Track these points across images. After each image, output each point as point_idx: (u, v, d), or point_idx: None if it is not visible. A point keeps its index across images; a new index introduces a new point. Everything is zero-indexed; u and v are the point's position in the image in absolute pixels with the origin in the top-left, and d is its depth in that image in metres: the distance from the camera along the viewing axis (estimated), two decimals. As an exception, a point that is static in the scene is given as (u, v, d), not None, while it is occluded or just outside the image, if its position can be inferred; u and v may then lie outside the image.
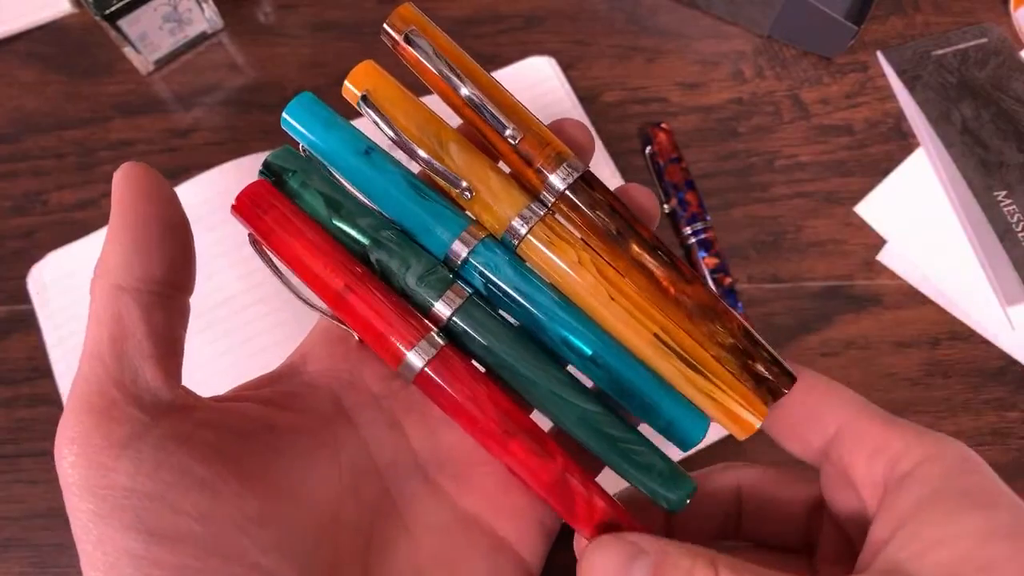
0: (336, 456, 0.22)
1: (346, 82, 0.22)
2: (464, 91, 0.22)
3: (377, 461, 0.23)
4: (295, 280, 0.22)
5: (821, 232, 0.42)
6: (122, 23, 0.40)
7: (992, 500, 0.18)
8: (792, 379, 0.22)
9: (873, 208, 0.43)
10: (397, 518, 0.22)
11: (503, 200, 0.22)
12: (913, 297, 0.41)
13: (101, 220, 0.40)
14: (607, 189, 0.23)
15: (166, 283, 0.19)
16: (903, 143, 0.44)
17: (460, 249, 0.22)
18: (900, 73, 0.45)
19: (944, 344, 0.40)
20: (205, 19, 0.44)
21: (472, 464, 0.23)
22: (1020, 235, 0.41)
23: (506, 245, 0.23)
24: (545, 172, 0.22)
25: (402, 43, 0.22)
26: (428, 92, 0.23)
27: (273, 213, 0.22)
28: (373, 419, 0.23)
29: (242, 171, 0.40)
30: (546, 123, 0.24)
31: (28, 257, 0.39)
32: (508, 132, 0.22)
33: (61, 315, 0.38)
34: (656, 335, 0.22)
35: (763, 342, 0.22)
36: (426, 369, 0.21)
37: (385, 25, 0.22)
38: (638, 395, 0.22)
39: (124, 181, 0.19)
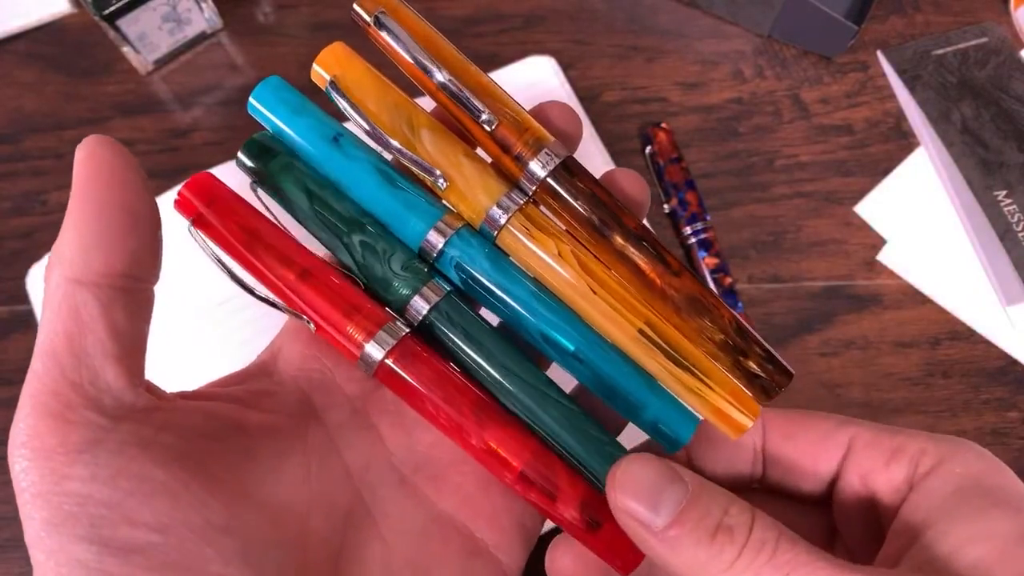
0: (306, 460, 0.21)
1: (315, 65, 0.21)
2: (438, 77, 0.21)
3: (349, 464, 0.22)
4: (246, 275, 0.21)
5: (821, 232, 0.42)
6: (121, 23, 0.40)
7: (1020, 502, 0.18)
8: (788, 376, 0.21)
9: (873, 208, 0.43)
10: (370, 523, 0.21)
11: (479, 188, 0.21)
12: (913, 297, 0.41)
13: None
14: (591, 176, 0.22)
15: (128, 276, 0.18)
16: (903, 143, 0.44)
17: (436, 240, 0.21)
18: (900, 73, 0.45)
19: (944, 344, 0.40)
20: (204, 19, 0.44)
21: (450, 464, 0.23)
22: (1020, 235, 0.41)
23: (484, 236, 0.21)
24: (524, 159, 0.21)
25: (372, 26, 0.21)
26: (404, 76, 0.22)
27: (218, 204, 0.20)
28: (346, 421, 0.22)
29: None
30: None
31: (28, 257, 0.39)
32: (484, 117, 0.21)
33: (61, 315, 0.38)
34: (641, 330, 0.21)
35: (757, 337, 0.21)
36: (387, 360, 0.20)
37: (355, 6, 0.21)
38: (623, 393, 0.21)
39: (86, 161, 0.18)
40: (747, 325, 0.22)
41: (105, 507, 0.16)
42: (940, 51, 0.46)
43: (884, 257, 0.42)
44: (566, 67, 0.44)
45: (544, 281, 0.22)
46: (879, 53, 0.46)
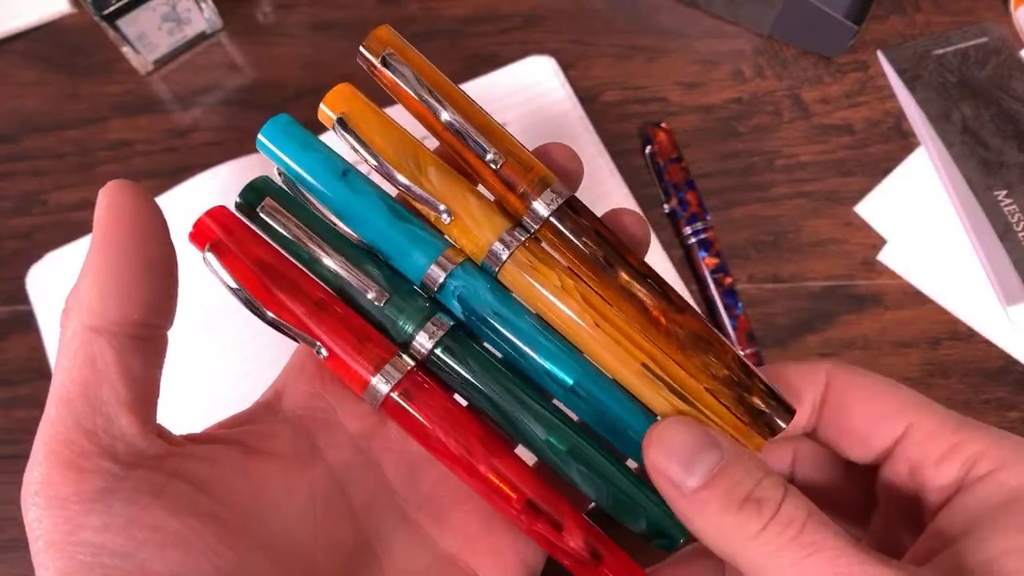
0: (312, 501, 0.21)
1: (321, 105, 0.22)
2: (445, 116, 0.21)
3: (354, 504, 0.22)
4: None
5: (821, 232, 0.42)
6: (121, 23, 0.40)
7: None
8: (791, 412, 0.21)
9: (873, 208, 0.43)
10: (374, 562, 0.21)
11: (483, 224, 0.22)
12: (913, 297, 0.41)
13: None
14: (593, 215, 0.22)
15: (144, 325, 0.18)
16: (903, 143, 0.44)
17: (437, 274, 0.21)
18: (900, 73, 0.45)
19: (944, 344, 0.40)
20: (204, 19, 0.44)
21: (453, 502, 0.23)
22: (1020, 235, 0.41)
23: (486, 271, 0.22)
24: (528, 198, 0.21)
25: (379, 66, 0.21)
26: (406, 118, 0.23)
27: (232, 236, 0.21)
28: (349, 459, 0.22)
29: (242, 171, 0.40)
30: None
31: (28, 257, 0.39)
32: (489, 156, 0.21)
33: (61, 315, 0.38)
34: (645, 364, 0.21)
35: (759, 374, 0.21)
36: (392, 394, 0.21)
37: (361, 48, 0.22)
38: (623, 429, 0.21)
39: (108, 207, 0.18)
40: (749, 362, 0.22)
41: (119, 557, 0.16)
42: (940, 51, 0.46)
43: (884, 257, 0.42)
44: (566, 67, 0.44)
45: (547, 315, 0.22)
46: (879, 53, 0.46)
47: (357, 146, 0.21)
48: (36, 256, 0.39)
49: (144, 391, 0.18)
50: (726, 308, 0.40)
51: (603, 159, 0.42)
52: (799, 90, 0.45)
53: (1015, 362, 0.40)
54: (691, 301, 0.40)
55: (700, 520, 0.18)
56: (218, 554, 0.18)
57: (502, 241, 0.21)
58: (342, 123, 0.21)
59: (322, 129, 0.23)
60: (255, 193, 0.22)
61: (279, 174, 0.22)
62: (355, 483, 0.22)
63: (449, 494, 0.23)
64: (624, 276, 0.21)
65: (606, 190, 0.41)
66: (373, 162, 0.21)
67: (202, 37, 0.45)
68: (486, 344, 0.22)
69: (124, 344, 0.18)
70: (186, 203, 0.39)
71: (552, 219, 0.21)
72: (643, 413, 0.22)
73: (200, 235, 0.21)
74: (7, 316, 0.39)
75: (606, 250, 0.21)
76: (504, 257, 0.21)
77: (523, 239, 0.22)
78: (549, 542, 0.21)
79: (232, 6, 0.45)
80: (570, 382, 0.21)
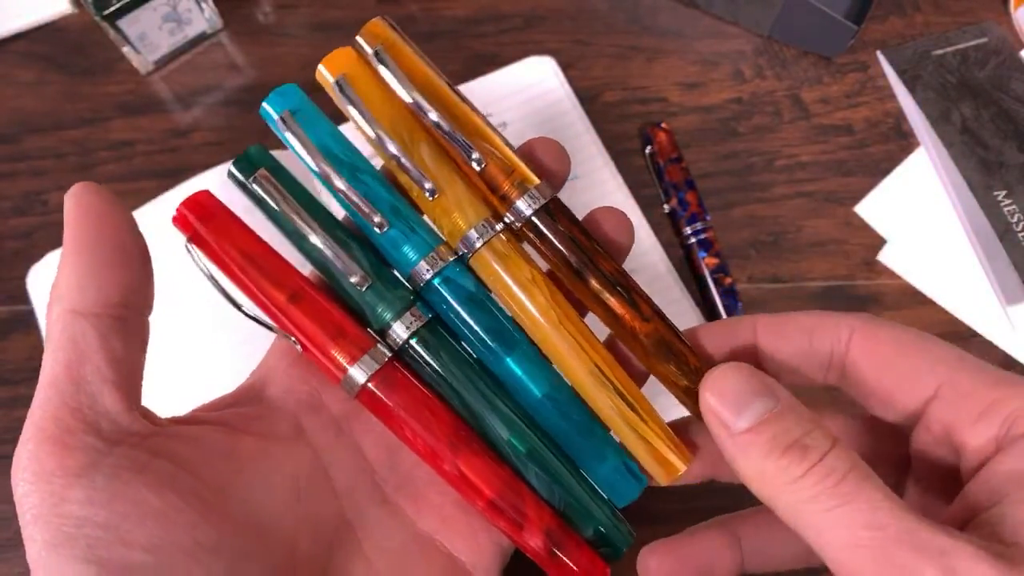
0: (295, 480, 0.21)
1: (320, 66, 0.22)
2: (431, 116, 0.21)
3: (336, 485, 0.22)
4: (237, 292, 0.22)
5: (821, 232, 0.42)
6: (121, 23, 0.40)
7: None
8: None
9: (873, 208, 0.43)
10: (354, 543, 0.22)
11: (466, 208, 0.22)
12: (913, 297, 0.41)
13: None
14: (573, 219, 0.23)
15: (122, 306, 0.19)
16: (903, 143, 0.44)
17: (424, 269, 0.22)
18: (900, 73, 0.45)
19: (944, 344, 0.40)
20: (204, 19, 0.44)
21: (430, 484, 0.23)
22: (1020, 235, 0.41)
23: (461, 255, 0.22)
24: (510, 199, 0.22)
25: (373, 60, 0.22)
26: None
27: (215, 222, 0.21)
28: (332, 442, 0.23)
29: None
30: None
31: (28, 257, 0.39)
32: (474, 156, 0.22)
33: (61, 315, 0.38)
34: (597, 365, 0.22)
35: None
36: (368, 384, 0.21)
37: (357, 37, 0.22)
38: (575, 448, 0.22)
39: (74, 204, 0.19)
40: None
41: (102, 529, 0.17)
42: (940, 51, 0.46)
43: (884, 257, 0.42)
44: (566, 67, 0.44)
45: (513, 307, 0.22)
46: (879, 53, 0.46)
47: (352, 109, 0.21)
48: (36, 256, 0.39)
49: (126, 370, 0.19)
50: (726, 308, 0.40)
51: (603, 159, 0.42)
52: (799, 90, 0.45)
53: (1015, 362, 0.40)
54: (691, 301, 0.40)
55: (744, 461, 0.19)
56: (198, 529, 0.18)
57: (479, 228, 0.22)
58: (340, 85, 0.21)
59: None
60: (249, 162, 0.22)
61: (280, 120, 0.21)
62: (337, 464, 0.23)
63: (426, 476, 0.23)
64: (594, 283, 0.22)
65: (606, 190, 0.41)
66: (366, 126, 0.21)
67: (202, 37, 0.45)
68: (463, 344, 0.23)
69: (105, 324, 0.19)
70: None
71: (531, 220, 0.22)
72: (598, 432, 0.23)
73: (182, 220, 0.21)
74: (7, 316, 0.39)
75: (579, 256, 0.22)
76: (479, 244, 0.22)
77: (499, 230, 0.22)
78: (512, 538, 0.22)
79: (232, 6, 0.45)
80: (538, 394, 0.22)
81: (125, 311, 0.19)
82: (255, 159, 0.22)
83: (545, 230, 0.22)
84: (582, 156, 0.41)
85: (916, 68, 0.45)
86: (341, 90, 0.21)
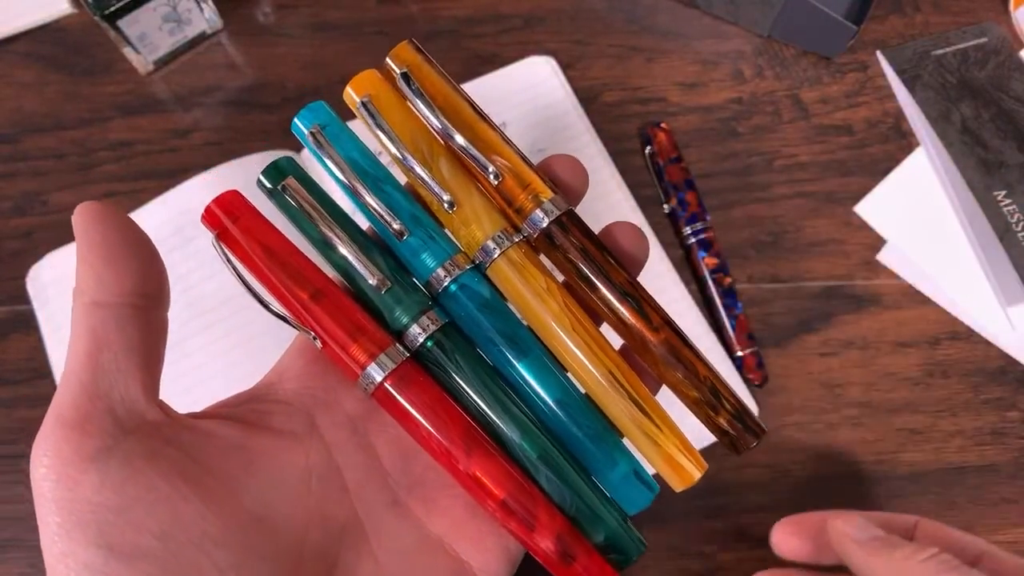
0: (307, 476, 0.22)
1: (348, 88, 0.23)
2: (459, 140, 0.23)
3: (348, 484, 0.23)
4: (261, 288, 0.23)
5: (821, 232, 0.42)
6: (121, 23, 0.40)
7: None
8: (757, 435, 0.22)
9: (873, 208, 0.43)
10: (363, 542, 0.22)
11: (483, 219, 0.23)
12: (913, 297, 0.41)
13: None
14: (586, 231, 0.23)
15: (139, 294, 0.20)
16: (903, 143, 0.44)
17: (442, 275, 0.22)
18: (900, 73, 0.45)
19: (944, 344, 0.40)
20: (204, 19, 0.44)
21: (442, 487, 0.23)
22: (1020, 235, 0.41)
23: (479, 263, 0.23)
24: (525, 212, 0.23)
25: (401, 83, 0.23)
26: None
27: (242, 221, 0.22)
28: (346, 440, 0.23)
29: (242, 171, 0.40)
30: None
31: (28, 257, 0.39)
32: (491, 170, 0.23)
33: (61, 315, 0.38)
34: (611, 371, 0.22)
35: (730, 397, 0.22)
36: (385, 383, 0.21)
37: (388, 59, 0.23)
38: (587, 455, 0.23)
39: (81, 216, 0.20)
40: (723, 383, 0.23)
41: (113, 513, 0.17)
42: (940, 51, 0.46)
43: (884, 257, 0.42)
44: (566, 67, 0.44)
45: (527, 313, 0.23)
46: (879, 53, 0.46)
47: (377, 129, 0.23)
48: (36, 256, 0.39)
49: (143, 359, 0.20)
50: (726, 308, 0.40)
51: (603, 159, 0.42)
52: (799, 90, 0.45)
53: (1015, 362, 0.40)
54: (691, 301, 0.40)
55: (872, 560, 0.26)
56: (205, 519, 0.19)
57: (497, 239, 0.23)
58: (366, 105, 0.23)
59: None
60: (277, 172, 0.23)
61: (311, 134, 0.23)
62: (350, 463, 0.23)
63: (438, 479, 0.23)
64: (605, 293, 0.23)
65: (606, 190, 0.41)
66: (391, 145, 0.23)
67: (202, 37, 0.45)
68: (478, 349, 0.23)
69: (122, 313, 0.19)
70: (186, 203, 0.39)
71: (545, 232, 0.23)
72: (604, 450, 0.23)
73: (212, 217, 0.22)
74: (7, 316, 0.39)
75: (592, 268, 0.23)
76: (496, 254, 0.23)
77: (516, 240, 0.23)
78: (522, 540, 0.22)
79: (232, 6, 0.45)
80: (551, 400, 0.22)
81: (142, 300, 0.20)
82: (284, 169, 0.23)
83: (559, 240, 0.23)
84: (582, 156, 0.41)
85: (916, 68, 0.45)
86: (368, 111, 0.23)
